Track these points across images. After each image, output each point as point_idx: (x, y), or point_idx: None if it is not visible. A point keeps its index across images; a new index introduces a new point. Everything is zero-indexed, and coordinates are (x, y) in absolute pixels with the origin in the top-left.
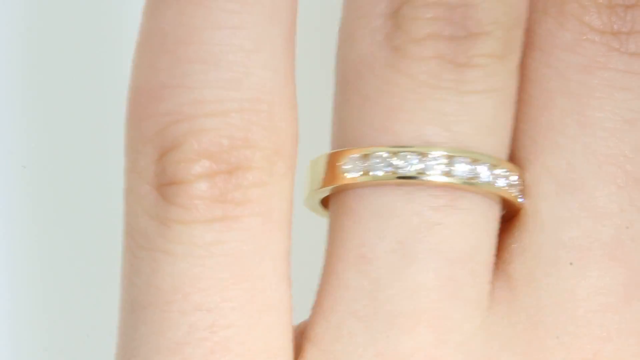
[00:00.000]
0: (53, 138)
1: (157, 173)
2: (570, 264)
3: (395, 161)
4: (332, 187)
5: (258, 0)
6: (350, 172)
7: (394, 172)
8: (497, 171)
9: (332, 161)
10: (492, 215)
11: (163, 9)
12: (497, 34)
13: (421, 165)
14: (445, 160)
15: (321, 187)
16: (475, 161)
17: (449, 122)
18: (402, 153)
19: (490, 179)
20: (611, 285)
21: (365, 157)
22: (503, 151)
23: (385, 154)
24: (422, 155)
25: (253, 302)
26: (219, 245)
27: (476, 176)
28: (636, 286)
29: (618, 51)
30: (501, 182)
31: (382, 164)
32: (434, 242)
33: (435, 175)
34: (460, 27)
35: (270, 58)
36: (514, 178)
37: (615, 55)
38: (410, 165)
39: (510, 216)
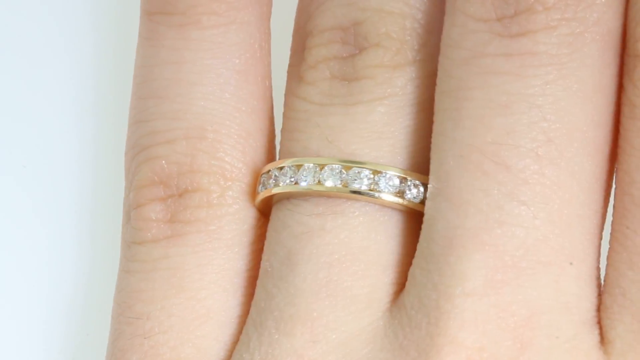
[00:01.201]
0: (53, 138)
1: (129, 204)
2: (438, 256)
3: (280, 175)
4: (256, 203)
5: (198, 37)
6: (260, 190)
7: (276, 185)
8: (382, 176)
9: (255, 168)
10: (389, 218)
11: (136, 55)
12: (386, 44)
13: (294, 177)
14: (317, 170)
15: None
16: (347, 168)
17: (331, 133)
18: (284, 168)
19: (367, 184)
20: (473, 272)
21: (267, 173)
22: (402, 154)
23: (274, 170)
24: (297, 167)
25: (190, 311)
26: (163, 260)
27: (348, 182)
28: (508, 271)
29: (499, 35)
30: (383, 186)
31: (272, 180)
32: (314, 248)
33: (307, 184)
34: (352, 45)
35: (215, 90)
36: (400, 182)
37: (496, 41)
38: (287, 177)
39: None
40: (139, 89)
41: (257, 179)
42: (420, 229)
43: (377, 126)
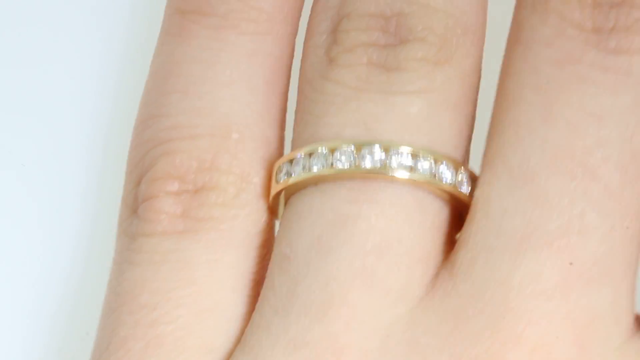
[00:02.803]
0: (52, 137)
1: (135, 196)
2: (511, 251)
3: (310, 161)
4: (271, 195)
5: (235, 41)
6: (281, 178)
7: (309, 170)
8: (420, 161)
9: (274, 170)
10: (424, 210)
11: (158, 51)
12: (431, 40)
13: (330, 161)
14: (355, 152)
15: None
16: (387, 150)
17: (369, 121)
18: (317, 151)
19: (407, 165)
20: (547, 273)
21: (290, 161)
22: (441, 149)
23: (302, 156)
24: (331, 150)
25: (197, 303)
26: (173, 252)
27: (387, 165)
28: (578, 278)
29: (596, 47)
30: (423, 171)
31: (299, 166)
32: (348, 235)
33: (343, 166)
34: (393, 35)
35: (244, 93)
36: (435, 164)
37: (592, 51)
38: (322, 160)
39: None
40: (160, 84)
41: (272, 178)
42: (456, 219)
43: (417, 119)
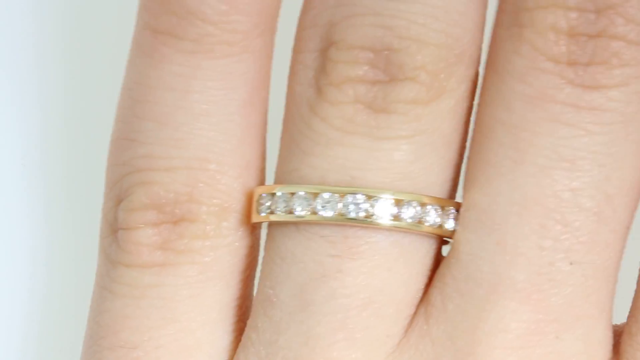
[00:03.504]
0: (52, 136)
1: (114, 216)
2: (479, 299)
3: (293, 201)
4: (251, 223)
5: (209, 66)
6: (262, 211)
7: (290, 213)
8: (405, 208)
9: (254, 198)
10: (405, 257)
11: (130, 68)
12: (422, 79)
13: (312, 206)
14: (338, 200)
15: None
16: (370, 198)
17: (353, 168)
18: (299, 194)
19: (389, 215)
20: (516, 324)
21: (272, 194)
22: (428, 191)
23: (283, 194)
24: (314, 195)
25: (179, 342)
26: (154, 288)
27: (371, 214)
28: (549, 325)
29: (571, 83)
30: (408, 218)
31: (281, 204)
32: (331, 289)
33: (326, 214)
34: (382, 71)
35: (221, 121)
36: (430, 211)
37: (567, 88)
38: (303, 204)
39: None
40: (135, 107)
41: (252, 205)
42: (437, 257)
43: (402, 166)
